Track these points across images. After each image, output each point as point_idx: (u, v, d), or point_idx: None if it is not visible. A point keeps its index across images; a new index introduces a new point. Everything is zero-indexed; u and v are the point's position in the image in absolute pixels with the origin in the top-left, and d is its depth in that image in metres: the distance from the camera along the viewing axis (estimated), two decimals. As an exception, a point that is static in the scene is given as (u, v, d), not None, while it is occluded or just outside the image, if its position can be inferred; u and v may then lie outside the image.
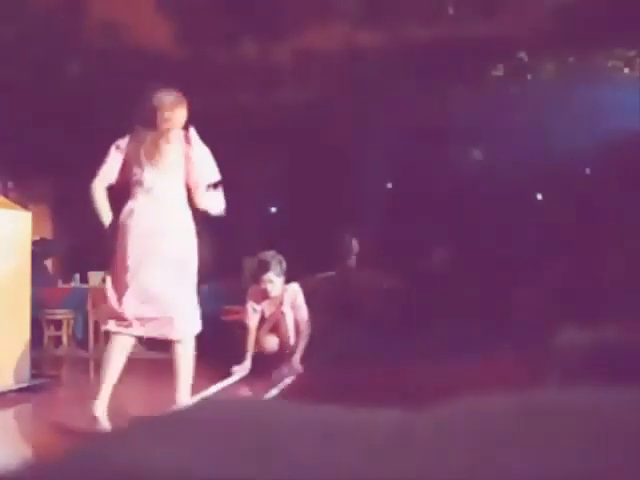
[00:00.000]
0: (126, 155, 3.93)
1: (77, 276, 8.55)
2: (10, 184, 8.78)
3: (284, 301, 5.95)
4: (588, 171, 9.63)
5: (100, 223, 4.45)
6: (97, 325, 7.84)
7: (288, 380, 5.52)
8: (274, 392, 5.01)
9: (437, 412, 0.55)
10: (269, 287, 5.85)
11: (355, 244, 9.15)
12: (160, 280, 3.81)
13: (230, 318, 6.77)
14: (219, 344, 6.80)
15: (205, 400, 0.61)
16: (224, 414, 0.59)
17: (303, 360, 5.89)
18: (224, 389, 5.31)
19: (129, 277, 3.81)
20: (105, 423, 3.78)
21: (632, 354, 0.78)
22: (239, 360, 5.87)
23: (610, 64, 7.95)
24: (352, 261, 9.18)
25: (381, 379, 4.90)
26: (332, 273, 8.63)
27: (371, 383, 4.68)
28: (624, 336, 0.80)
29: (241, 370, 5.81)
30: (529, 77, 8.11)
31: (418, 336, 6.96)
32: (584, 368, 0.76)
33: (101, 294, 7.82)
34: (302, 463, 0.49)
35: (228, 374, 5.73)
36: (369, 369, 5.31)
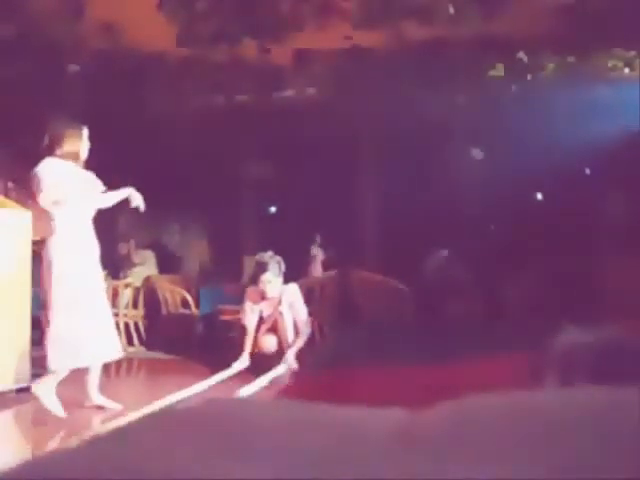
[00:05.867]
0: None
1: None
2: (10, 184, 8.79)
3: (282, 301, 5.95)
4: (588, 171, 9.63)
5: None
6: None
7: (285, 379, 5.52)
8: (274, 392, 5.01)
9: (437, 412, 0.55)
10: (267, 288, 5.86)
11: (318, 249, 9.21)
12: None
13: (229, 318, 6.78)
14: (217, 343, 6.82)
15: (205, 400, 0.61)
16: (224, 414, 0.59)
17: (299, 358, 5.88)
18: (223, 382, 5.34)
19: None
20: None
21: (632, 354, 0.78)
22: (237, 358, 5.88)
23: (610, 64, 7.95)
24: (317, 264, 9.23)
25: (381, 379, 4.90)
26: (332, 273, 8.62)
27: (371, 383, 4.68)
28: (625, 336, 0.80)
29: (240, 364, 5.81)
30: (529, 77, 8.12)
31: (418, 336, 6.96)
32: (584, 368, 0.76)
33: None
34: (302, 463, 0.49)
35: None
36: (369, 369, 5.31)
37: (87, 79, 7.63)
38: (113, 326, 4.66)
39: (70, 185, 4.38)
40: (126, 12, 6.42)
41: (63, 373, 4.37)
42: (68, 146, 4.41)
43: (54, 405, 4.30)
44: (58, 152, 4.38)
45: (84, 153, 4.51)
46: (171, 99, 8.10)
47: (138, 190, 4.64)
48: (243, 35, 7.09)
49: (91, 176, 4.55)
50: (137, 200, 4.62)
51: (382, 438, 0.52)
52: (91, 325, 4.33)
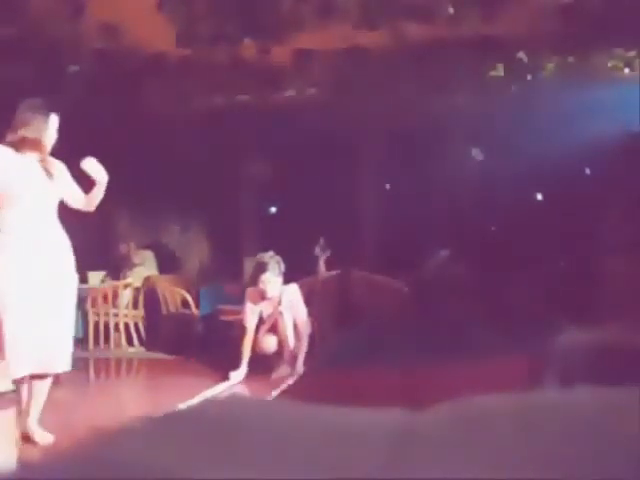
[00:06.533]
0: None
1: (77, 276, 8.58)
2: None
3: (282, 301, 5.95)
4: (588, 171, 9.63)
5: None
6: (97, 325, 7.85)
7: (288, 381, 5.53)
8: (274, 392, 5.01)
9: (437, 412, 0.55)
10: (267, 288, 5.86)
11: (321, 250, 9.22)
12: None
13: (229, 318, 6.78)
14: (217, 343, 6.81)
15: (206, 400, 0.61)
16: (224, 414, 0.59)
17: (305, 361, 5.90)
18: (220, 394, 5.31)
19: None
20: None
21: (632, 354, 0.78)
22: (237, 360, 5.87)
23: (610, 64, 7.95)
24: (322, 264, 9.24)
25: (381, 379, 4.89)
26: (333, 273, 8.63)
27: (371, 383, 4.68)
28: (624, 337, 0.80)
29: (237, 376, 5.78)
30: (529, 77, 8.12)
31: (418, 336, 6.96)
32: (584, 368, 0.76)
33: (101, 294, 7.87)
34: (302, 463, 0.49)
35: (225, 375, 5.74)
36: (369, 369, 5.30)
37: (87, 79, 7.62)
38: (68, 337, 3.94)
39: (16, 178, 3.79)
40: (126, 12, 6.42)
41: (24, 388, 3.85)
42: (29, 132, 3.85)
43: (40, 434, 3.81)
44: (14, 137, 3.84)
45: (49, 142, 3.94)
46: (171, 99, 8.10)
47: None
48: (243, 35, 7.08)
49: (58, 171, 4.00)
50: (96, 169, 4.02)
51: (382, 438, 0.52)
52: (40, 333, 3.74)
